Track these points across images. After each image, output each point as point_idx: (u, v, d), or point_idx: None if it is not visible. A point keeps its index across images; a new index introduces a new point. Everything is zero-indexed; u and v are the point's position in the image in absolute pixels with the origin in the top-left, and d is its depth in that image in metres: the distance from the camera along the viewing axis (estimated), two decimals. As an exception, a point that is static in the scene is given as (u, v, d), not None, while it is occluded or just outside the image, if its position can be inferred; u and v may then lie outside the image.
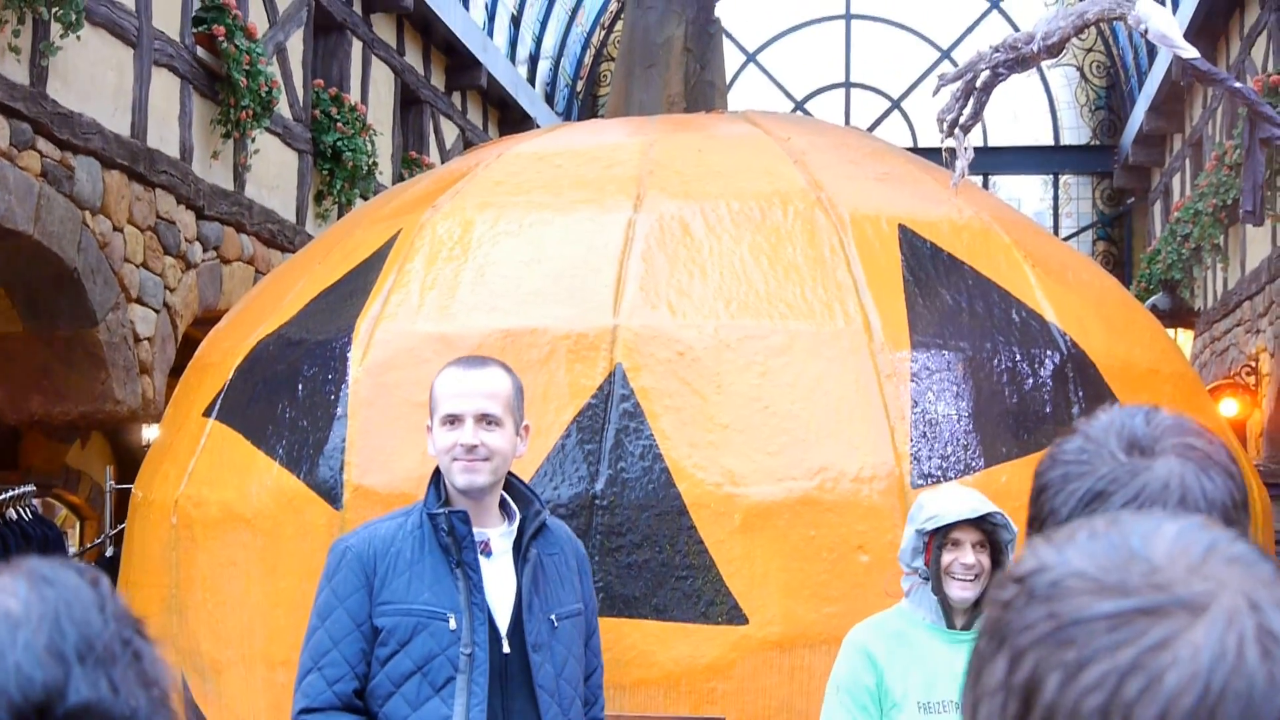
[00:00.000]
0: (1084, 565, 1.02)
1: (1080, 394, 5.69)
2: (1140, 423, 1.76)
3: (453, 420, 3.86)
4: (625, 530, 5.21)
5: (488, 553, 3.90)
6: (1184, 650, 0.94)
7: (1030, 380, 5.67)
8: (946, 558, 4.18)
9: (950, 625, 4.24)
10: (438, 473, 3.95)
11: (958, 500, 4.21)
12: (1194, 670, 0.93)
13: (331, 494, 5.48)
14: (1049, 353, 5.74)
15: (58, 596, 1.41)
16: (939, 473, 5.33)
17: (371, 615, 3.83)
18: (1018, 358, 5.69)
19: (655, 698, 5.14)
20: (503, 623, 3.87)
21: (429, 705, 3.78)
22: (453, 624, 3.79)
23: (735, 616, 5.14)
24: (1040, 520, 1.73)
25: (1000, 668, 1.02)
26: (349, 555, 3.88)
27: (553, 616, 3.94)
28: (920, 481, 5.26)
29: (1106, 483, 1.69)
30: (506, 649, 3.85)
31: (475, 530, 3.86)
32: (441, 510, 3.85)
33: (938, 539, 4.19)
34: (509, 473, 4.01)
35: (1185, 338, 15.52)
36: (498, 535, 3.93)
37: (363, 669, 3.84)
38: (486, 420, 3.85)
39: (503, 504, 3.99)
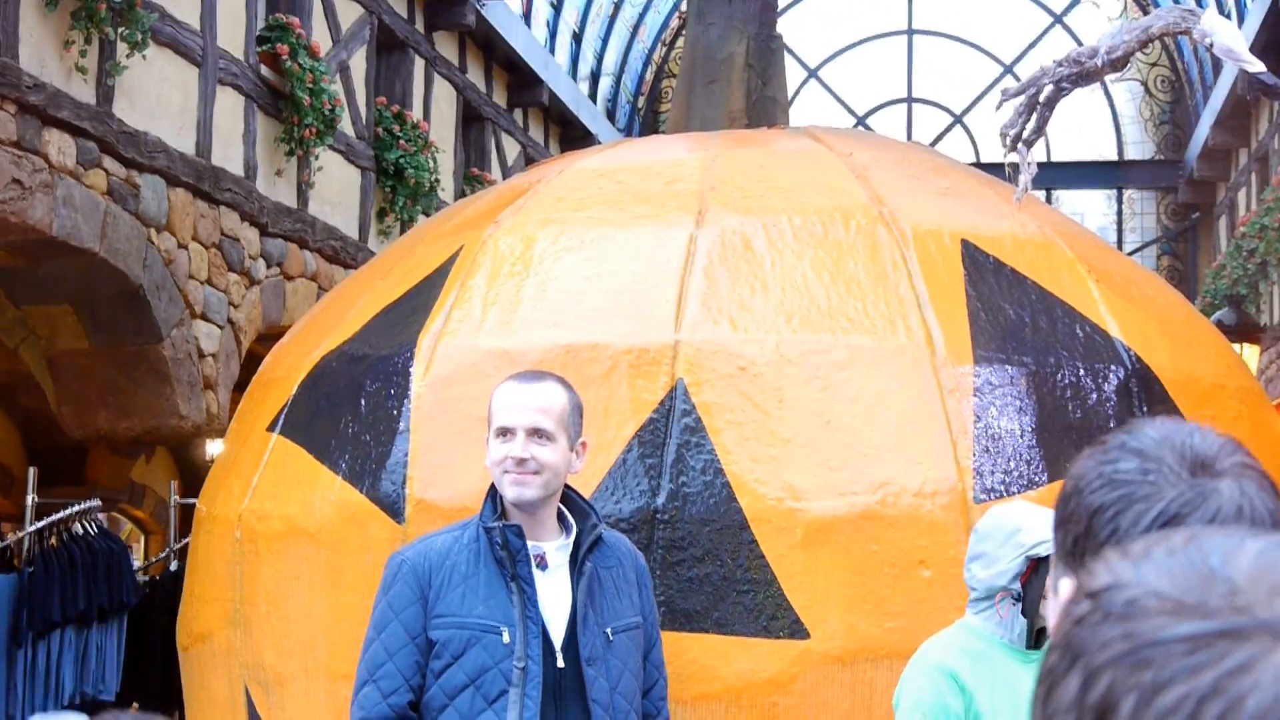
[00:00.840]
0: (1162, 584, 1.00)
1: (1144, 409, 5.65)
2: (1198, 440, 1.70)
3: (505, 433, 3.87)
4: (686, 544, 5.20)
5: (543, 566, 3.90)
6: (1265, 675, 0.91)
7: (1094, 395, 5.63)
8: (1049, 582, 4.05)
9: (1030, 646, 4.13)
10: (494, 486, 3.97)
11: (1029, 520, 4.11)
12: (1276, 694, 0.90)
13: (394, 508, 5.50)
14: (1113, 368, 5.71)
15: None
16: (1002, 488, 5.30)
17: (426, 628, 3.84)
18: (1081, 373, 5.65)
19: (717, 712, 5.13)
20: (557, 636, 3.87)
21: (482, 718, 3.79)
22: (506, 637, 3.79)
23: (797, 631, 5.13)
24: (1098, 543, 1.69)
25: (1074, 686, 0.99)
26: (405, 568, 3.90)
27: (608, 630, 3.93)
28: (983, 496, 5.23)
29: (1179, 505, 1.64)
30: (560, 663, 3.85)
31: (531, 544, 3.87)
32: (496, 524, 3.86)
33: (1040, 562, 4.07)
34: (567, 487, 4.01)
35: (1251, 353, 15.40)
36: (554, 549, 3.94)
37: (417, 681, 3.85)
38: (538, 434, 3.86)
39: (560, 518, 4.00)
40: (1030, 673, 4.04)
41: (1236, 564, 1.00)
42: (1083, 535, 1.68)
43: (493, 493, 3.95)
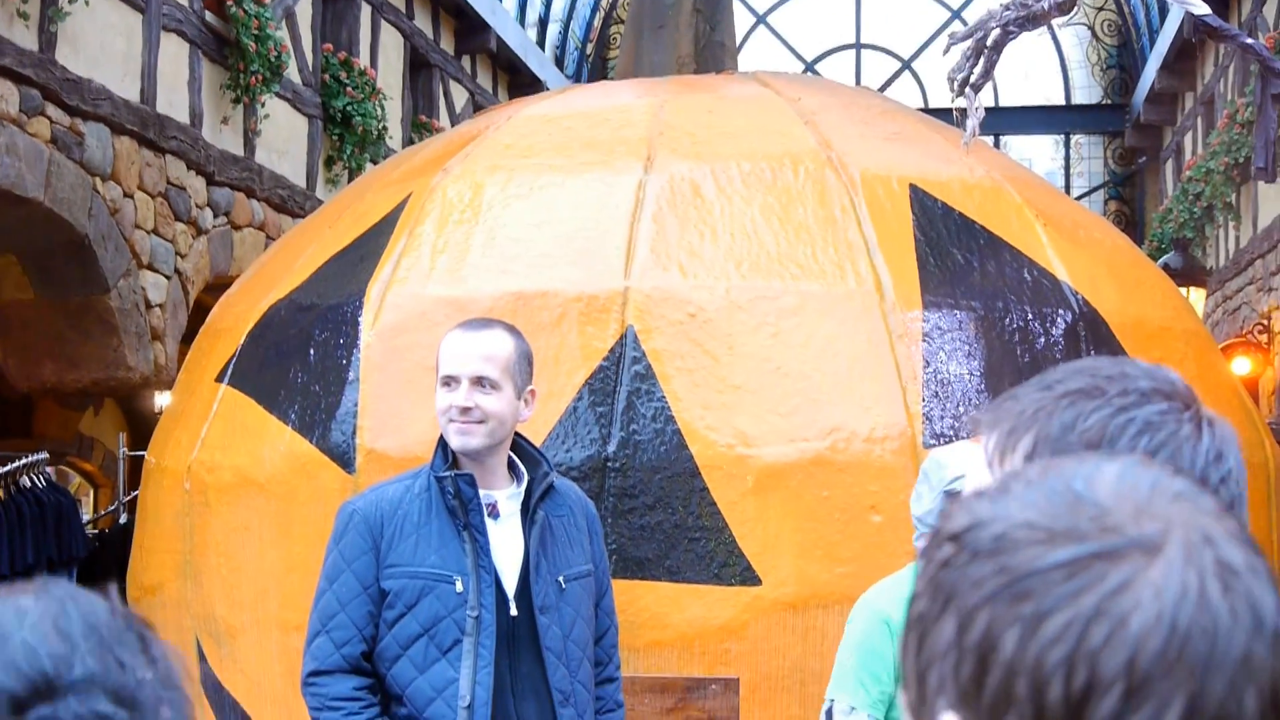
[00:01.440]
0: (1029, 515, 0.99)
1: (1093, 352, 5.68)
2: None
3: (449, 381, 3.86)
4: (638, 492, 5.21)
5: (495, 515, 3.89)
6: (1145, 591, 0.93)
7: (1042, 339, 5.66)
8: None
9: None
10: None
11: (961, 460, 4.17)
12: (1158, 611, 0.92)
13: (344, 458, 5.49)
14: (1061, 311, 5.73)
15: (65, 594, 1.45)
16: (951, 432, 5.32)
17: (379, 578, 3.83)
18: (1030, 317, 5.68)
19: (669, 659, 5.15)
20: (510, 585, 3.86)
21: (435, 668, 3.78)
22: (459, 586, 3.79)
23: (748, 578, 5.15)
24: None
25: (948, 629, 0.99)
26: (356, 518, 3.88)
27: (560, 578, 3.93)
28: (932, 441, 5.25)
29: None
30: (514, 611, 3.85)
31: (482, 492, 3.86)
32: (448, 473, 3.84)
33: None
34: (518, 435, 4.00)
35: (1197, 296, 15.50)
36: (505, 497, 3.93)
37: (370, 631, 3.84)
38: (482, 383, 3.83)
39: (512, 466, 3.99)
40: None
41: (1099, 486, 1.01)
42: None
43: (443, 442, 3.94)
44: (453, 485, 3.82)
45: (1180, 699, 0.91)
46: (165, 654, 1.49)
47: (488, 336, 3.91)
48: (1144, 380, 1.53)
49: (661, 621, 5.15)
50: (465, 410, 3.81)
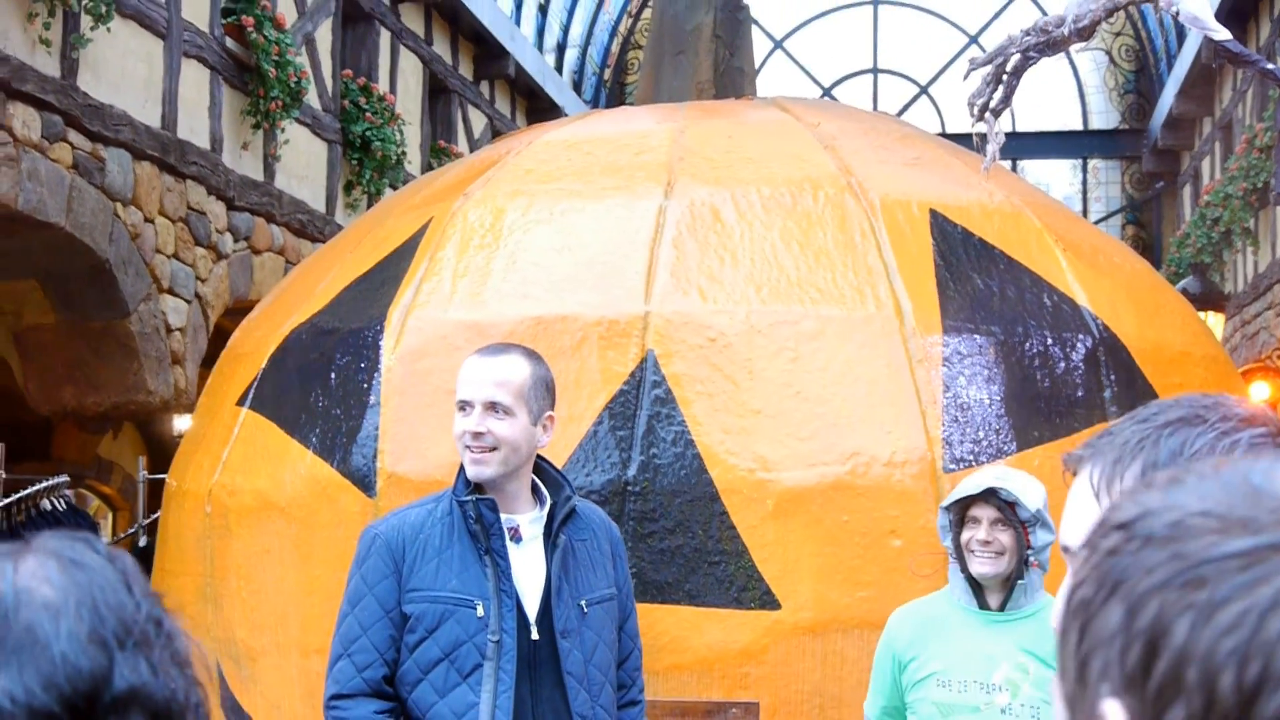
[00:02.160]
0: (1206, 504, 0.99)
1: (1112, 377, 5.68)
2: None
3: (463, 406, 3.85)
4: (658, 516, 5.22)
5: (517, 539, 3.89)
6: None
7: (1062, 364, 5.66)
8: (966, 534, 4.23)
9: (983, 606, 4.27)
10: None
11: (976, 476, 4.25)
12: None
13: (365, 482, 5.50)
14: (1081, 336, 5.73)
15: (89, 580, 1.39)
16: (971, 457, 5.32)
17: (400, 602, 3.83)
18: (1049, 342, 5.68)
19: (689, 682, 5.15)
20: (531, 609, 3.86)
21: (456, 692, 3.78)
22: (480, 611, 3.78)
23: (768, 602, 5.15)
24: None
25: (1115, 615, 0.98)
26: (378, 542, 3.88)
27: (582, 602, 3.92)
28: (952, 466, 5.25)
29: None
30: (535, 636, 3.84)
31: (504, 516, 3.86)
32: (469, 497, 3.84)
33: (956, 515, 4.24)
34: (540, 458, 4.00)
35: (1216, 321, 15.47)
36: (527, 521, 3.92)
37: (392, 655, 3.83)
38: (495, 408, 3.82)
39: (534, 490, 3.99)
40: (986, 633, 4.23)
41: (1278, 480, 0.99)
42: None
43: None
44: (474, 509, 3.82)
45: None
46: (188, 651, 1.48)
47: (503, 362, 3.89)
48: (1239, 409, 1.55)
49: (681, 645, 5.15)
50: (477, 435, 3.81)
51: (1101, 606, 1.00)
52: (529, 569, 3.89)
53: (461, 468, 3.94)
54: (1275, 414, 1.59)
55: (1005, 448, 5.39)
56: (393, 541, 3.86)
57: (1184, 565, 0.96)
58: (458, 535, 3.85)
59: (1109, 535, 1.03)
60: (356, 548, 3.96)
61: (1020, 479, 4.23)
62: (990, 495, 4.18)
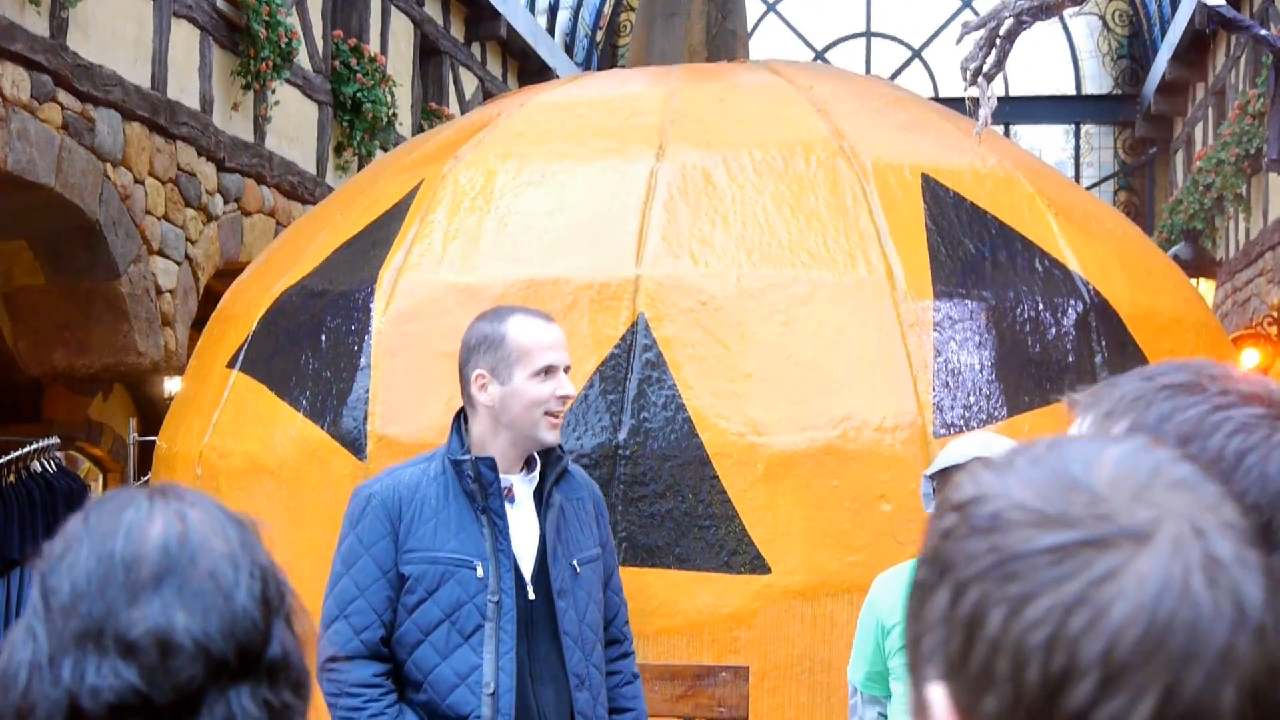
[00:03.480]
0: (1025, 496, 1.00)
1: (1103, 343, 5.68)
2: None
3: (548, 371, 3.84)
4: (648, 480, 5.22)
5: (510, 499, 3.89)
6: (1129, 582, 0.93)
7: (1053, 329, 5.66)
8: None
9: None
10: (459, 419, 3.94)
11: (959, 445, 4.25)
12: (1139, 602, 0.92)
13: (355, 444, 5.50)
14: (1072, 302, 5.73)
15: (250, 542, 1.44)
16: (961, 422, 5.32)
17: (398, 562, 3.82)
18: (1041, 307, 5.68)
19: (679, 646, 5.16)
20: (526, 570, 3.86)
21: (459, 653, 3.77)
22: (480, 571, 3.78)
23: (758, 566, 5.16)
24: None
25: (943, 600, 1.00)
26: (373, 502, 3.86)
27: (575, 562, 3.93)
28: (943, 431, 5.26)
29: None
30: (532, 595, 3.85)
31: (502, 476, 3.86)
32: (468, 456, 3.84)
33: (940, 483, 4.24)
34: None
35: (1207, 288, 15.46)
36: (520, 482, 3.93)
37: (389, 617, 3.82)
38: (566, 372, 3.88)
39: None
40: None
41: (1097, 471, 1.01)
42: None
43: (458, 426, 3.93)
44: (473, 469, 3.81)
45: (1155, 690, 0.91)
46: (308, 624, 1.50)
47: (557, 327, 3.94)
48: (1244, 385, 1.53)
49: (671, 609, 5.16)
50: (565, 399, 3.84)
51: (932, 590, 1.02)
52: (522, 529, 3.89)
53: (455, 427, 3.94)
54: None
55: (996, 413, 5.40)
56: (389, 501, 3.85)
57: (999, 558, 0.97)
58: (453, 495, 3.85)
59: (946, 516, 1.05)
60: (348, 507, 3.94)
61: (1005, 447, 4.22)
62: (976, 464, 4.17)
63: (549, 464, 3.94)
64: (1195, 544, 0.95)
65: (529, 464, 3.96)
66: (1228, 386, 1.52)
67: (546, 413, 3.82)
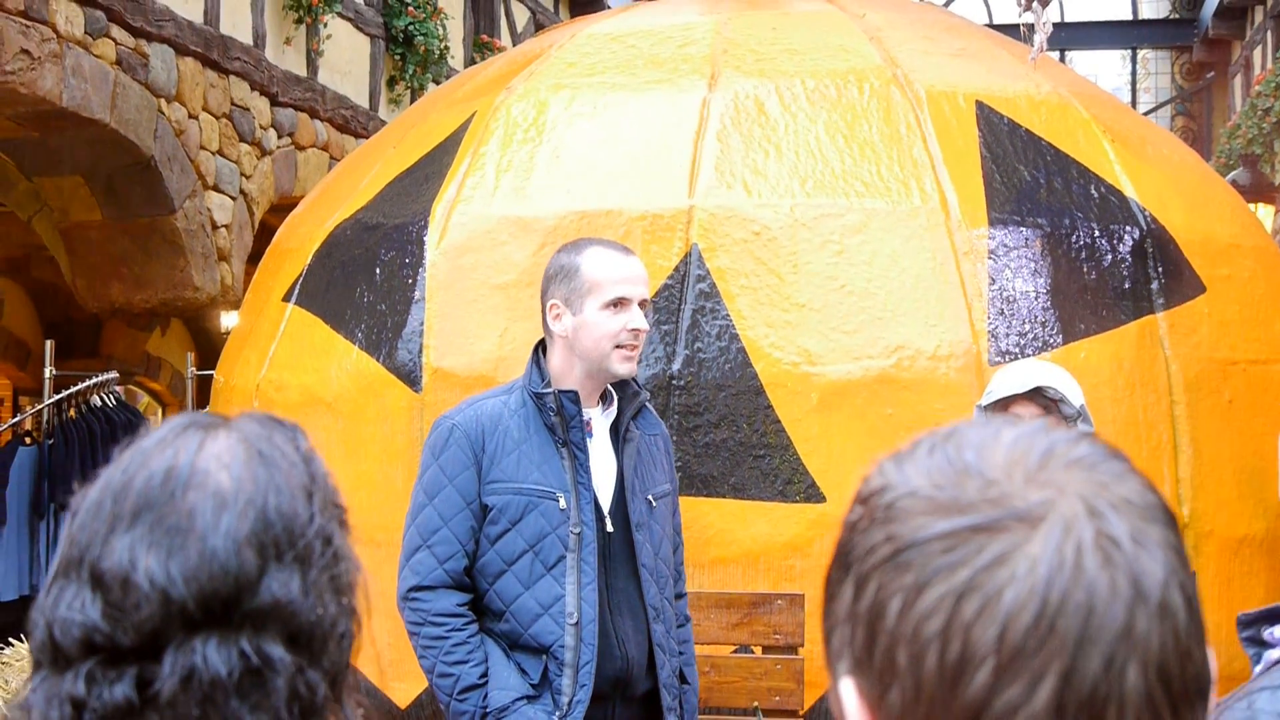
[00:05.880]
0: (920, 483, 1.00)
1: (1160, 269, 5.64)
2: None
3: (619, 304, 3.84)
4: (703, 410, 5.23)
5: (589, 433, 3.91)
6: (1021, 565, 0.92)
7: (1109, 256, 5.62)
8: None
9: None
10: (537, 351, 3.96)
11: (1018, 374, 4.19)
12: (1031, 585, 0.91)
13: (410, 377, 5.52)
14: (1128, 228, 5.69)
15: (269, 478, 1.36)
16: (1017, 350, 5.30)
17: (480, 493, 3.85)
18: (1096, 234, 5.64)
19: (734, 575, 5.18)
20: (605, 502, 3.89)
21: (542, 584, 3.80)
22: (562, 503, 3.80)
23: (813, 495, 5.16)
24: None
25: (847, 594, 1.00)
26: (456, 432, 3.87)
27: (650, 497, 3.96)
28: (998, 359, 5.24)
29: None
30: (610, 528, 3.87)
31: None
32: (549, 390, 3.85)
33: (998, 413, 4.17)
34: None
35: (1266, 212, 15.32)
36: (598, 415, 3.95)
37: (472, 547, 3.84)
38: (643, 305, 3.88)
39: None
40: None
41: (990, 456, 1.00)
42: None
43: (537, 358, 3.95)
44: (555, 401, 3.82)
45: (1054, 673, 0.90)
46: (352, 579, 1.43)
47: (636, 261, 3.94)
48: None
49: (726, 538, 5.18)
50: (638, 332, 3.84)
51: (838, 585, 1.02)
52: (600, 463, 3.92)
53: (533, 359, 3.95)
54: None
55: (1051, 340, 5.37)
56: (472, 432, 3.87)
57: (895, 548, 0.97)
58: (534, 428, 3.87)
59: (854, 509, 1.04)
60: (430, 438, 3.94)
61: (1062, 376, 4.18)
62: (1035, 394, 4.13)
63: (625, 399, 3.96)
64: (1089, 523, 0.94)
65: (604, 399, 3.98)
66: None
67: (618, 345, 3.83)
